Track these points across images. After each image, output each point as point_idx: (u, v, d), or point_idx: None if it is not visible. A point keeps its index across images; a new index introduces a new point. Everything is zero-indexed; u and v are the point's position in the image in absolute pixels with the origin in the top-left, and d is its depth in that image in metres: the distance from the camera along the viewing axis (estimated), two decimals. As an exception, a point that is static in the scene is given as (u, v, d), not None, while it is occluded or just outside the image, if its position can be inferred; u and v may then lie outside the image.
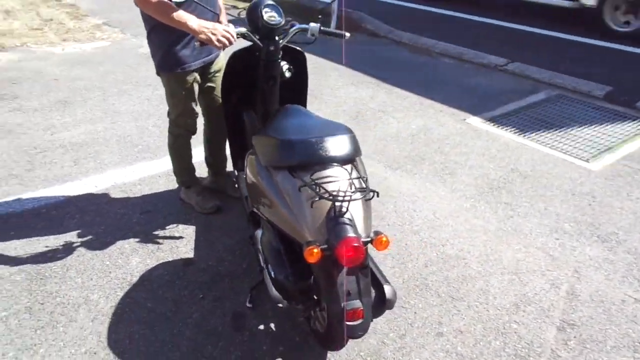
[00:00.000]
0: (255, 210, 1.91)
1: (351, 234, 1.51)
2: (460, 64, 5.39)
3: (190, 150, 2.68)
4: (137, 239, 2.49)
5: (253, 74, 2.29)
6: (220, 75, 2.46)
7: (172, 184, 2.92)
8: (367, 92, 4.50)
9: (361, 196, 1.54)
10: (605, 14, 6.09)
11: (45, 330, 1.96)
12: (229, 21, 2.36)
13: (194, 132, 2.61)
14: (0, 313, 2.03)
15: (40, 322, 2.00)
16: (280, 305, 1.72)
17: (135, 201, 2.80)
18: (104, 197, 2.83)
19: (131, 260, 2.35)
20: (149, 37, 2.34)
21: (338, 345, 1.79)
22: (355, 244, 1.48)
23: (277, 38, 2.16)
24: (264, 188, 1.75)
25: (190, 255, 2.40)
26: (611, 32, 6.04)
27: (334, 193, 1.55)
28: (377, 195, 1.59)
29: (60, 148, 3.36)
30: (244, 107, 2.48)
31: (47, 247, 2.42)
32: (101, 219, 2.63)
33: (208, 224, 2.63)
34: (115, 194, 2.86)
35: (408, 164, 3.29)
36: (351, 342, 1.91)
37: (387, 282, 1.73)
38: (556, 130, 3.82)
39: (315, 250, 1.49)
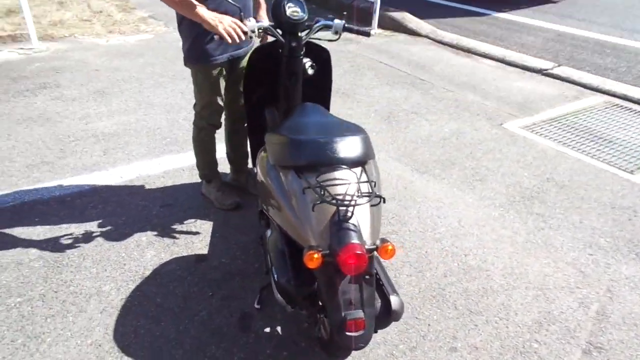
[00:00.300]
0: (263, 209, 1.87)
1: (354, 241, 1.44)
2: (502, 67, 5.18)
3: (213, 144, 2.67)
4: (154, 232, 2.50)
5: (276, 70, 2.24)
6: None
7: (195, 177, 2.92)
8: (401, 93, 4.38)
9: (366, 201, 1.47)
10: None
11: (55, 319, 1.98)
12: None
13: (218, 126, 2.60)
14: (15, 299, 2.07)
15: (52, 310, 2.02)
16: (286, 309, 1.68)
17: (157, 194, 2.82)
18: (128, 188, 2.86)
19: (146, 253, 2.36)
20: (179, 28, 2.35)
21: (341, 355, 1.73)
22: (359, 252, 1.41)
23: (300, 34, 2.11)
24: (271, 188, 1.70)
25: (205, 251, 2.39)
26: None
27: (339, 197, 1.48)
28: (384, 202, 1.51)
29: (93, 137, 3.43)
30: (266, 103, 2.44)
31: (67, 235, 2.46)
32: (122, 210, 2.66)
33: (226, 221, 2.61)
34: (138, 186, 2.88)
35: (437, 168, 3.17)
36: (357, 352, 1.84)
37: (394, 292, 1.64)
38: (600, 139, 3.60)
39: (316, 256, 1.43)
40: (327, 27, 2.17)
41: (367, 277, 1.52)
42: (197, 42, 2.28)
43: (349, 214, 1.48)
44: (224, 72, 2.41)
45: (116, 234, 2.48)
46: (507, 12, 7.27)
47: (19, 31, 5.66)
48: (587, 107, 4.17)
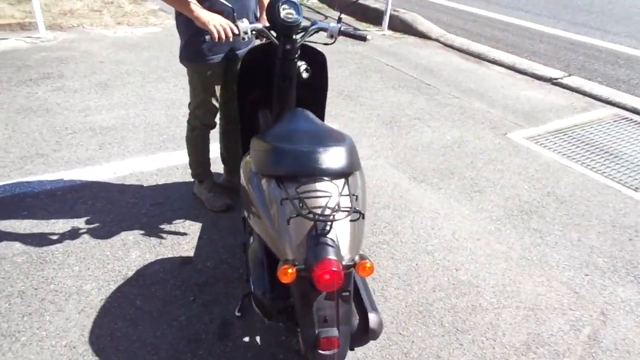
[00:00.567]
0: (244, 216, 1.82)
1: (331, 257, 1.38)
2: (512, 74, 5.09)
3: (207, 144, 2.63)
4: (141, 231, 2.46)
5: (270, 73, 2.19)
6: None
7: (188, 176, 2.88)
8: (406, 97, 4.31)
9: (344, 216, 1.41)
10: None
11: (32, 318, 1.95)
12: None
13: (211, 126, 2.56)
14: (-6, 294, 2.05)
15: (30, 308, 2.00)
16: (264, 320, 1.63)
17: (148, 191, 2.78)
18: (120, 184, 2.83)
19: (131, 253, 2.32)
20: (176, 24, 2.33)
21: (318, 370, 1.67)
22: (334, 268, 1.36)
23: (294, 37, 2.06)
24: (252, 196, 1.65)
25: (191, 253, 2.35)
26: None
27: (317, 210, 1.43)
28: (363, 217, 1.45)
29: (90, 131, 3.41)
30: (260, 105, 2.39)
31: (54, 230, 2.43)
32: (111, 207, 2.63)
33: (215, 222, 2.56)
34: (130, 182, 2.85)
35: (435, 177, 3.10)
36: (336, 367, 1.78)
37: (373, 309, 1.59)
38: (607, 153, 3.51)
39: (290, 271, 1.38)
40: (322, 30, 2.12)
41: (344, 294, 1.47)
42: (193, 40, 2.25)
43: (327, 228, 1.43)
44: (219, 73, 2.37)
45: (103, 232, 2.45)
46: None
47: (28, 19, 5.67)
48: (595, 120, 4.07)
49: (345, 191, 1.52)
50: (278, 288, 1.56)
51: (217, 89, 2.42)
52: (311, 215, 1.39)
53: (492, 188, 3.02)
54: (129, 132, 3.42)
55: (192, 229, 2.51)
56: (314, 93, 2.36)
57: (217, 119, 2.58)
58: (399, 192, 2.92)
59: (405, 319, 2.06)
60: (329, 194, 1.49)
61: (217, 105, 2.47)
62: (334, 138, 1.68)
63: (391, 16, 6.40)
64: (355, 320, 1.57)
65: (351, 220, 1.47)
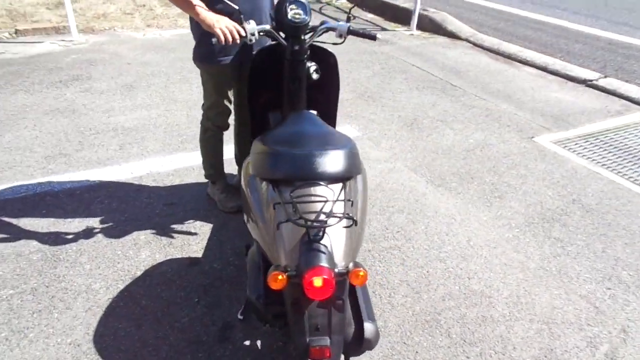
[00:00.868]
0: (244, 220, 1.80)
1: (322, 264, 1.35)
2: (544, 75, 4.91)
3: (220, 146, 2.64)
4: (153, 231, 2.49)
5: (280, 74, 2.18)
6: None
7: (203, 177, 2.88)
8: (430, 99, 4.22)
9: (336, 222, 1.37)
10: None
11: (41, 315, 1.99)
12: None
13: (224, 127, 2.56)
14: (8, 291, 2.10)
15: (40, 305, 2.04)
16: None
17: (163, 192, 2.81)
18: (136, 184, 2.87)
19: (141, 252, 2.35)
20: (190, 24, 2.34)
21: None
22: (325, 276, 1.32)
23: (303, 37, 2.03)
24: (250, 199, 1.63)
25: (199, 254, 2.35)
26: None
27: (310, 216, 1.39)
28: (356, 224, 1.41)
29: (112, 131, 3.48)
30: (271, 107, 2.37)
31: (70, 229, 2.48)
32: (126, 207, 2.67)
33: (225, 224, 2.56)
34: (147, 183, 2.89)
35: (454, 182, 3.02)
36: (335, 376, 1.74)
37: (370, 319, 1.54)
38: None
39: (280, 277, 1.35)
40: (331, 30, 2.08)
41: (337, 302, 1.43)
42: (204, 41, 2.26)
43: (320, 234, 1.39)
44: (231, 74, 2.37)
45: (116, 231, 2.49)
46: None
47: (63, 23, 5.85)
48: (630, 124, 3.88)
49: (342, 196, 1.48)
50: (273, 294, 1.53)
51: (230, 90, 2.42)
52: (302, 221, 1.36)
53: (513, 194, 2.91)
54: (149, 133, 3.47)
55: (203, 229, 2.52)
56: (326, 94, 2.33)
57: (233, 120, 2.58)
58: (415, 196, 2.85)
59: (411, 328, 2.00)
60: (324, 198, 1.45)
61: (229, 106, 2.47)
62: (334, 141, 1.64)
63: (420, 16, 6.29)
64: (351, 329, 1.53)
65: (345, 227, 1.43)
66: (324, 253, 1.38)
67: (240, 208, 2.64)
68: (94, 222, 2.54)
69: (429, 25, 6.29)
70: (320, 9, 7.22)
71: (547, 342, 1.97)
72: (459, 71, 4.93)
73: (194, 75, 4.53)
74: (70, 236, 2.44)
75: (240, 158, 2.78)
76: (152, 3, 7.30)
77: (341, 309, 1.45)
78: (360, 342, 1.51)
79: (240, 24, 1.98)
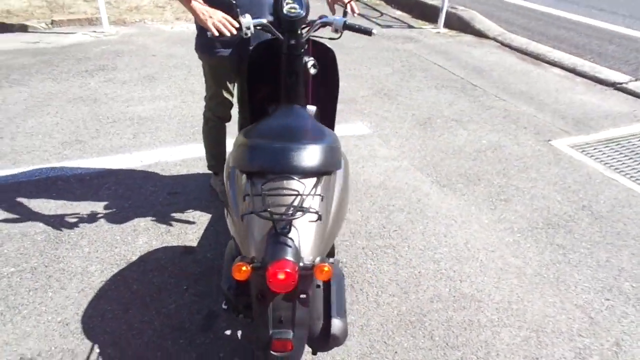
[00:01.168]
0: (225, 213, 1.83)
1: (287, 257, 1.36)
2: (571, 77, 4.75)
3: (222, 137, 2.68)
4: (153, 218, 2.55)
5: (278, 68, 2.19)
6: None
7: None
8: (447, 98, 4.15)
9: (300, 216, 1.38)
10: None
11: (37, 293, 2.08)
12: None
13: (225, 119, 2.60)
14: (9, 269, 2.20)
15: (37, 284, 2.13)
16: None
17: (169, 180, 2.88)
18: (143, 172, 2.94)
19: (139, 239, 2.41)
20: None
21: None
22: (288, 269, 1.33)
23: (299, 31, 2.04)
24: (229, 191, 1.65)
25: (194, 243, 2.40)
26: None
27: (279, 209, 1.40)
28: (320, 219, 1.41)
29: (128, 120, 3.57)
30: (270, 101, 2.39)
31: (76, 212, 2.58)
32: (131, 194, 2.74)
33: (224, 215, 2.60)
34: (154, 171, 2.96)
35: (459, 183, 2.96)
36: (309, 370, 1.76)
37: (339, 315, 1.54)
38: (661, 167, 3.19)
39: (244, 268, 1.36)
40: (328, 25, 2.08)
41: (301, 296, 1.44)
42: (203, 31, 2.28)
43: (288, 227, 1.40)
44: (230, 67, 2.40)
45: (119, 217, 2.56)
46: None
47: (96, 15, 6.03)
48: (656, 130, 3.72)
49: (314, 191, 1.48)
50: (243, 285, 1.55)
51: (230, 82, 2.44)
52: (267, 214, 1.37)
53: (520, 197, 2.84)
54: (164, 123, 3.55)
55: (202, 219, 2.57)
56: (325, 90, 2.33)
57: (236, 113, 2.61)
58: (418, 196, 2.82)
59: (393, 328, 1.99)
60: (295, 192, 1.46)
61: (230, 98, 2.50)
62: (314, 136, 1.64)
63: (448, 14, 6.19)
64: (320, 323, 1.53)
65: (312, 221, 1.43)
66: (289, 247, 1.38)
67: (241, 200, 2.68)
68: (99, 207, 2.63)
69: (457, 23, 6.17)
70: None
71: (533, 350, 1.91)
72: (482, 70, 4.82)
73: (214, 68, 4.60)
74: (74, 219, 2.53)
75: (243, 151, 2.81)
76: (184, -4, 7.42)
77: (305, 303, 1.45)
78: (327, 338, 1.51)
79: (236, 17, 2.00)
